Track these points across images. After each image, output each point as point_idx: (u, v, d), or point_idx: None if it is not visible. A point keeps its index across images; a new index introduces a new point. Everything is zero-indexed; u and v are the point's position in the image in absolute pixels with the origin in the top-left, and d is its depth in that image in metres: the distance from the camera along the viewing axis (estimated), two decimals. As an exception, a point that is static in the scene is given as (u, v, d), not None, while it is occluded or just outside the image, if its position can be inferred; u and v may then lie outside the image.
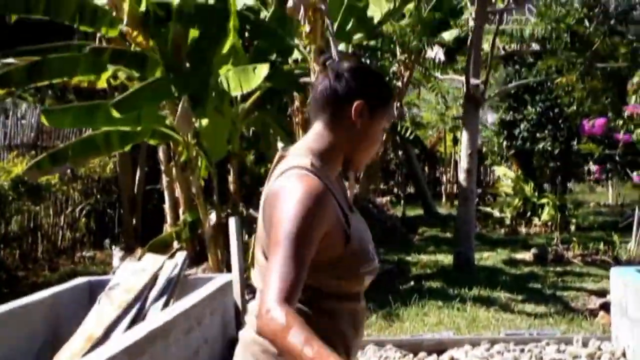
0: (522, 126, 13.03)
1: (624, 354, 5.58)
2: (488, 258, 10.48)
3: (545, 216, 12.50)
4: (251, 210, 8.21)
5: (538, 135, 12.90)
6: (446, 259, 9.84)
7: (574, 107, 11.50)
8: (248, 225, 7.71)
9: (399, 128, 12.07)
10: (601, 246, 10.31)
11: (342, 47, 8.80)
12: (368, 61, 10.91)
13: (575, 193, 19.00)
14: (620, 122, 8.35)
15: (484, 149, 15.42)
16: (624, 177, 10.66)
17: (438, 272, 9.28)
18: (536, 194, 13.00)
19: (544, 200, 12.65)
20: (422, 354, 5.69)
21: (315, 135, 2.00)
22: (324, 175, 1.90)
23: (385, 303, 7.29)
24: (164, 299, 4.78)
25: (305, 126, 7.82)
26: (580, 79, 11.43)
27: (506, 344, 5.93)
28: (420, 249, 11.12)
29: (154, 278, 4.93)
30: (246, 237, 7.54)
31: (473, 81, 9.00)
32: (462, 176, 9.16)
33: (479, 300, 7.74)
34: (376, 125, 2.02)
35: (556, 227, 11.66)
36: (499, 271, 9.50)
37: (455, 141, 16.44)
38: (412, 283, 8.56)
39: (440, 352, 5.76)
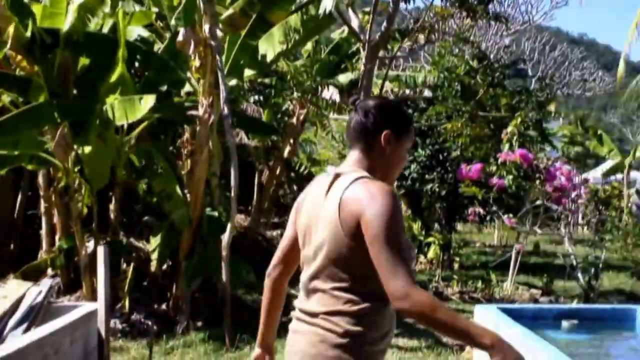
0: (412, 167, 13.34)
1: (482, 387, 5.77)
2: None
3: (430, 254, 12.80)
4: (132, 239, 8.10)
5: (427, 176, 13.21)
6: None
7: (458, 152, 11.90)
8: (127, 254, 7.60)
9: (293, 164, 12.21)
10: (479, 284, 10.63)
11: (234, 82, 8.87)
12: (261, 97, 11.03)
13: (464, 233, 19.56)
14: (494, 167, 8.70)
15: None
16: (498, 219, 11.11)
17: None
18: (424, 232, 13.30)
19: (431, 239, 12.95)
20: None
21: (355, 160, 2.43)
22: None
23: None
24: (24, 326, 4.65)
25: (194, 158, 7.82)
26: (466, 126, 11.84)
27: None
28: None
29: (16, 304, 4.79)
30: (124, 265, 7.43)
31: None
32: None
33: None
34: (401, 148, 2.48)
35: (439, 265, 11.95)
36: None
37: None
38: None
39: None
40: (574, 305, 7.91)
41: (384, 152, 2.42)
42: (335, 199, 2.30)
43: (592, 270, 8.53)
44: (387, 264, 2.12)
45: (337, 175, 2.39)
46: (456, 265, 12.62)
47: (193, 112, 7.76)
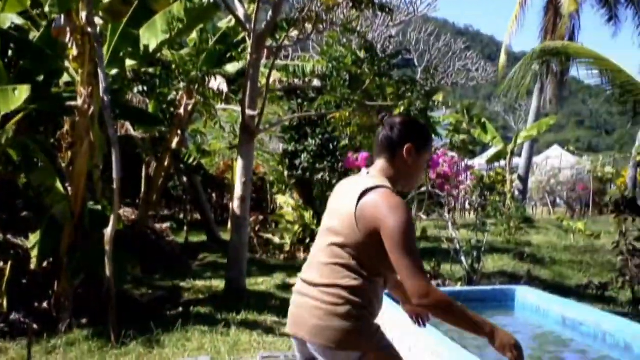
0: (303, 157, 13.39)
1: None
2: (262, 283, 10.62)
3: (322, 242, 12.89)
4: (9, 236, 7.74)
5: (318, 165, 13.30)
6: (220, 284, 9.83)
7: (347, 141, 12.01)
8: (6, 252, 7.26)
9: (182, 155, 12.00)
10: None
11: (115, 72, 8.60)
12: (145, 87, 10.75)
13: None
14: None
15: (272, 178, 15.71)
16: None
17: (209, 298, 9.24)
18: (315, 221, 13.37)
19: (322, 228, 13.05)
20: (173, 380, 5.62)
21: (380, 168, 2.91)
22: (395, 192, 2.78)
23: (148, 330, 7.13)
24: None
25: (74, 150, 7.53)
26: (354, 115, 11.95)
27: (261, 366, 6.04)
28: (197, 275, 11.04)
29: None
30: (1, 263, 7.09)
31: (249, 112, 9.13)
32: (235, 204, 9.22)
33: (245, 324, 7.79)
34: (421, 159, 2.95)
35: (330, 253, 12.04)
36: (271, 296, 9.64)
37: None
38: (180, 309, 8.44)
39: (194, 377, 5.73)
40: (457, 287, 8.14)
41: (406, 162, 2.89)
42: (355, 197, 2.77)
43: (475, 253, 8.79)
44: (409, 269, 2.59)
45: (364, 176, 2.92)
46: (347, 253, 12.76)
47: (72, 103, 7.45)
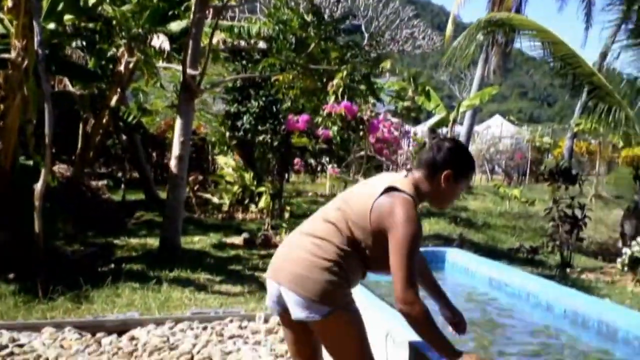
0: (245, 118, 13.29)
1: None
2: (198, 242, 10.59)
3: (261, 203, 12.86)
4: None
5: (260, 127, 13.21)
6: (155, 242, 9.75)
7: (289, 104, 11.96)
8: None
9: (121, 113, 11.77)
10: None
11: (52, 26, 8.37)
12: (84, 43, 10.48)
13: (298, 183, 19.88)
14: (320, 119, 8.82)
15: (213, 139, 15.58)
16: (324, 170, 11.36)
17: (143, 256, 9.16)
18: (255, 182, 13.35)
19: (262, 189, 13.02)
20: (100, 335, 5.58)
21: (415, 180, 3.01)
22: (417, 204, 2.92)
23: (77, 285, 7.05)
24: None
25: (6, 103, 7.33)
26: (298, 78, 11.89)
27: (190, 322, 6.02)
28: (132, 233, 10.92)
29: None
30: None
31: (190, 71, 9.00)
32: (173, 162, 9.12)
33: (177, 281, 7.77)
34: (458, 187, 3.06)
35: (269, 214, 12.06)
36: (206, 254, 9.62)
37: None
38: (112, 266, 8.36)
39: (121, 333, 5.70)
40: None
41: (441, 186, 2.99)
42: (380, 189, 2.95)
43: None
44: (403, 274, 2.75)
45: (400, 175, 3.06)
46: (287, 214, 12.79)
47: (5, 56, 7.23)
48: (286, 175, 16.36)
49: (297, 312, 2.90)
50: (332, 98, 9.34)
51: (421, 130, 24.40)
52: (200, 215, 13.39)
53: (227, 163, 14.14)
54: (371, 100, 9.17)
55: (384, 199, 2.91)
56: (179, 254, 9.08)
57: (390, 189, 2.94)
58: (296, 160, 10.99)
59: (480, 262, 6.07)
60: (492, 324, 4.78)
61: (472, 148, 23.98)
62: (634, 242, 8.08)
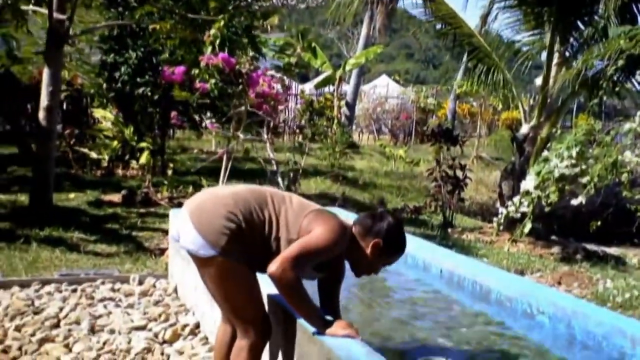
0: (122, 69, 12.70)
1: (175, 290, 5.72)
2: (74, 199, 10.12)
3: (142, 160, 12.43)
4: None
5: (138, 80, 12.67)
6: (26, 199, 9.22)
7: (167, 55, 11.51)
8: None
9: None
10: (190, 189, 10.57)
11: None
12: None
13: (183, 139, 19.41)
14: (197, 71, 8.49)
15: (92, 91, 14.84)
16: (201, 124, 11.07)
17: (11, 213, 8.68)
18: (136, 138, 12.86)
19: (143, 145, 12.57)
20: (-49, 300, 5.20)
21: (352, 227, 3.13)
22: (345, 240, 3.03)
23: None
24: None
25: None
26: (175, 28, 11.43)
27: (59, 285, 5.73)
28: (3, 189, 10.31)
29: None
30: None
31: (57, 16, 8.45)
32: (41, 114, 8.59)
33: (48, 241, 7.40)
34: (378, 262, 3.15)
35: (149, 171, 11.68)
36: (81, 212, 9.22)
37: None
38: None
39: (-19, 296, 5.33)
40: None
41: (365, 251, 3.08)
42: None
43: (292, 175, 8.81)
44: (292, 254, 2.81)
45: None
46: (169, 172, 12.44)
47: None
48: (170, 131, 15.91)
49: (187, 242, 3.02)
50: (209, 49, 8.99)
51: (309, 88, 24.32)
52: (78, 171, 12.83)
53: (105, 117, 13.52)
54: (251, 53, 8.90)
55: (322, 213, 3.08)
56: (51, 212, 8.63)
57: (326, 211, 3.15)
58: (173, 114, 10.61)
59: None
60: (369, 286, 4.77)
61: (359, 107, 24.18)
62: (509, 203, 8.32)
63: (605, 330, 3.35)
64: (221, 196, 3.09)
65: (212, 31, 8.86)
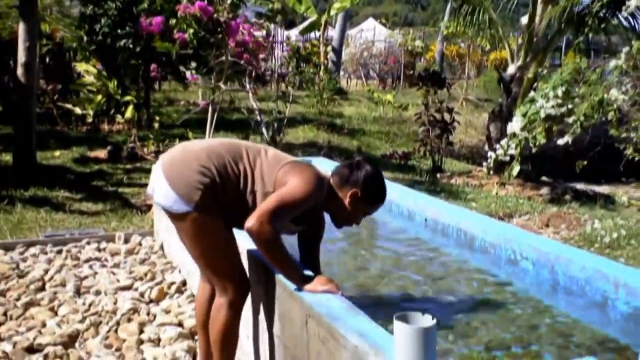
0: (102, 21, 12.43)
1: (162, 247, 5.69)
2: (59, 156, 10.03)
3: (128, 114, 12.29)
4: None
5: (119, 31, 12.42)
6: (10, 159, 9.13)
7: (145, 5, 11.25)
8: None
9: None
10: (177, 142, 10.46)
11: None
12: None
13: (169, 91, 19.19)
14: (175, 21, 8.31)
15: (74, 45, 14.57)
16: (182, 76, 10.90)
17: (-6, 173, 8.59)
18: (120, 91, 12.69)
19: (128, 98, 12.40)
20: None
21: (330, 179, 3.08)
22: (321, 192, 2.97)
23: None
24: None
25: None
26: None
27: (43, 246, 5.69)
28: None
29: None
30: None
31: (30, -32, 8.25)
32: (19, 71, 8.45)
33: (33, 201, 7.35)
34: (358, 211, 3.08)
35: (134, 125, 11.56)
36: (66, 170, 9.15)
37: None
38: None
39: (-36, 260, 5.29)
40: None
41: (343, 201, 3.03)
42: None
43: (276, 124, 8.72)
44: (269, 208, 2.76)
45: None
46: (156, 125, 12.32)
47: None
48: (156, 84, 15.71)
49: (160, 198, 2.99)
50: (185, -3, 8.76)
51: (295, 34, 23.98)
52: (63, 128, 12.71)
53: (88, 70, 13.32)
54: (229, 0, 8.66)
55: (298, 164, 3.01)
56: (36, 171, 8.56)
57: (302, 162, 3.08)
58: (152, 66, 10.43)
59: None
60: (354, 237, 4.75)
61: (346, 52, 23.88)
62: (497, 145, 8.26)
63: (588, 275, 3.34)
64: (194, 150, 3.03)
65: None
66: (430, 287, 3.76)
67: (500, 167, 9.12)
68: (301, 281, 2.87)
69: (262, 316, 3.26)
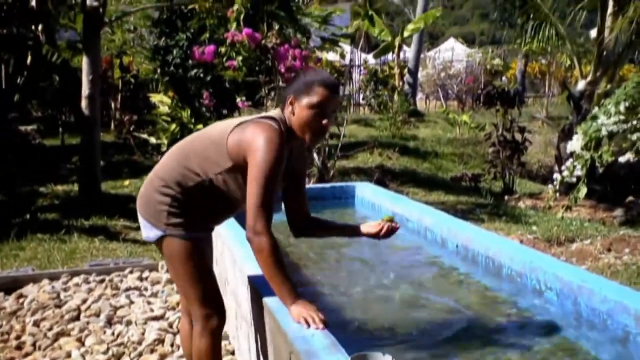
0: (174, 52, 12.74)
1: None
2: (128, 186, 10.25)
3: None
4: None
5: (190, 62, 12.69)
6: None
7: (207, 35, 11.42)
8: None
9: (45, 52, 11.21)
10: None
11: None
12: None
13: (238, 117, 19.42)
14: (224, 49, 8.38)
15: (150, 76, 14.98)
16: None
17: (62, 204, 8.80)
18: (193, 120, 12.91)
19: (200, 126, 12.61)
20: (-17, 294, 5.29)
21: (279, 114, 2.89)
22: (282, 133, 2.77)
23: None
24: None
25: None
26: (213, 6, 11.32)
27: (87, 276, 5.74)
28: (62, 179, 10.45)
29: None
30: None
31: (90, 2, 8.49)
32: (83, 103, 8.70)
33: (91, 231, 7.47)
34: (306, 110, 2.82)
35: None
36: (132, 199, 9.24)
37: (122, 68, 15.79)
38: (28, 216, 7.99)
39: (11, 290, 5.40)
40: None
41: (292, 115, 2.85)
42: (233, 124, 2.85)
43: (327, 150, 8.60)
44: (256, 199, 2.65)
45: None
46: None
47: None
48: (225, 111, 15.91)
49: (143, 232, 2.98)
50: (234, 25, 8.82)
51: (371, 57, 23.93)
52: (140, 157, 13.02)
53: (162, 101, 13.63)
54: (276, 26, 8.61)
55: (244, 126, 2.81)
56: (100, 201, 8.73)
57: (248, 121, 2.86)
58: (205, 94, 10.56)
59: (383, 195, 5.84)
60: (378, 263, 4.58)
61: (423, 74, 23.61)
62: (563, 167, 7.89)
63: (610, 307, 3.06)
64: (155, 170, 3.01)
65: (236, 6, 8.70)
66: (447, 318, 3.55)
67: (570, 188, 8.70)
68: (290, 302, 2.74)
69: (260, 347, 3.17)
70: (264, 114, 2.95)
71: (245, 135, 2.77)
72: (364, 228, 3.20)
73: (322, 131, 2.89)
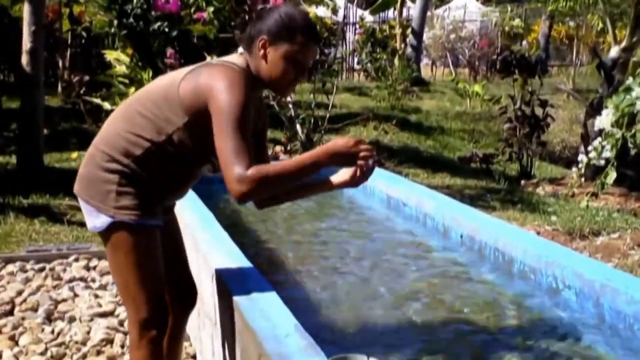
0: (134, 1, 12.63)
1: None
2: (76, 158, 10.17)
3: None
4: None
5: (153, 13, 12.60)
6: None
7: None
8: None
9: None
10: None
11: None
12: None
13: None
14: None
15: (105, 29, 14.89)
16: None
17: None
18: (154, 81, 12.86)
19: (163, 91, 12.56)
20: None
21: (244, 57, 2.82)
22: (245, 75, 2.72)
23: None
24: None
25: None
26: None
27: (24, 263, 5.73)
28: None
29: None
30: None
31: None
32: (24, 59, 8.63)
33: (31, 210, 7.43)
34: (280, 59, 2.74)
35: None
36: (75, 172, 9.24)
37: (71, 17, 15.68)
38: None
39: None
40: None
41: (261, 60, 2.77)
42: (187, 70, 2.77)
43: (312, 121, 8.60)
44: (229, 149, 2.55)
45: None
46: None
47: None
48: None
49: (88, 221, 2.86)
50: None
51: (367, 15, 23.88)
52: (91, 126, 12.93)
53: (118, 59, 13.54)
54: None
55: (197, 71, 2.73)
56: (42, 175, 8.67)
57: (201, 65, 2.80)
58: (169, 52, 10.49)
59: (378, 176, 5.82)
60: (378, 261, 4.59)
61: (429, 35, 23.57)
62: (590, 147, 7.89)
63: (637, 310, 3.09)
64: (94, 143, 2.87)
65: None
66: (450, 319, 3.58)
67: (597, 172, 8.73)
68: (320, 156, 2.65)
69: (226, 349, 3.19)
70: (222, 58, 2.86)
71: (201, 81, 2.68)
72: (335, 178, 3.02)
73: (294, 83, 2.89)
